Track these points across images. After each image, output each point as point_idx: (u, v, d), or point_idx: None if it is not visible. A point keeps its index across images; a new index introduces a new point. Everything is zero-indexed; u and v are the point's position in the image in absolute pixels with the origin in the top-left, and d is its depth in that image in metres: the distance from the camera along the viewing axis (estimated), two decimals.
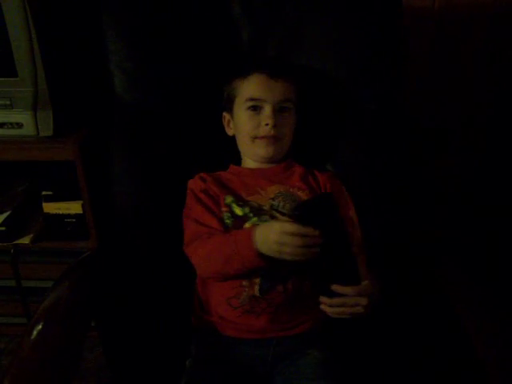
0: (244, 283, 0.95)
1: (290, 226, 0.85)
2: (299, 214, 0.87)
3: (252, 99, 1.06)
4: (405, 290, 1.10)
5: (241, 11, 1.19)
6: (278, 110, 1.06)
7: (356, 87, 1.20)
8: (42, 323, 0.86)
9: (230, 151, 1.15)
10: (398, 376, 0.99)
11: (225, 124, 1.15)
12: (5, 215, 1.46)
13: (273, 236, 0.86)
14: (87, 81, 1.27)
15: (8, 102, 1.23)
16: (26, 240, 1.45)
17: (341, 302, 0.88)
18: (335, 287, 0.87)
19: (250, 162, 1.12)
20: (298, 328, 0.97)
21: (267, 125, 1.05)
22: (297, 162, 1.13)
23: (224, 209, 1.02)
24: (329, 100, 1.19)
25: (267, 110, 1.05)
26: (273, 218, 1.00)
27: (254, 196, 1.04)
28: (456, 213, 1.74)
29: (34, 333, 0.84)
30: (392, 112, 1.22)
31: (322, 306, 0.90)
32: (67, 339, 0.88)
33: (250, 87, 1.08)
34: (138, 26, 1.16)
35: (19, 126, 1.25)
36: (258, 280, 0.94)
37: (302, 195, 1.05)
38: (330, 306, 0.89)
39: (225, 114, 1.15)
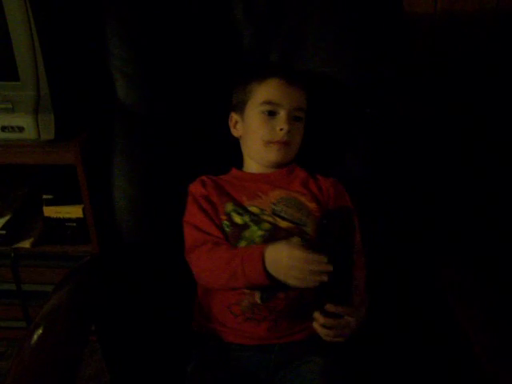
0: (245, 290, 0.95)
1: (299, 253, 0.85)
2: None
3: (269, 103, 1.06)
4: (405, 294, 1.10)
5: (242, 16, 1.19)
6: (292, 118, 1.06)
7: (357, 92, 1.20)
8: (42, 328, 0.86)
9: (231, 155, 1.15)
10: (400, 382, 0.99)
11: (231, 125, 1.14)
12: (5, 219, 1.46)
13: (282, 259, 0.87)
14: (89, 85, 1.27)
15: (9, 106, 1.22)
16: (26, 244, 1.45)
17: (335, 323, 0.87)
18: (333, 308, 0.87)
19: (253, 166, 1.12)
20: (300, 334, 0.97)
21: (281, 130, 1.05)
22: (300, 166, 1.13)
23: (223, 217, 1.01)
24: (331, 105, 1.19)
25: (283, 115, 1.05)
26: (273, 225, 1.00)
27: (255, 201, 1.04)
28: (456, 215, 1.74)
29: (35, 337, 0.84)
30: (392, 116, 1.22)
31: (315, 325, 0.89)
32: (67, 344, 0.88)
33: (268, 91, 1.07)
34: (139, 30, 1.16)
35: (20, 129, 1.25)
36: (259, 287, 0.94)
37: (304, 200, 1.05)
38: (323, 325, 0.88)
39: (233, 114, 1.14)
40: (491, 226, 1.70)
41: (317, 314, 0.88)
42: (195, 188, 1.08)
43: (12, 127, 1.25)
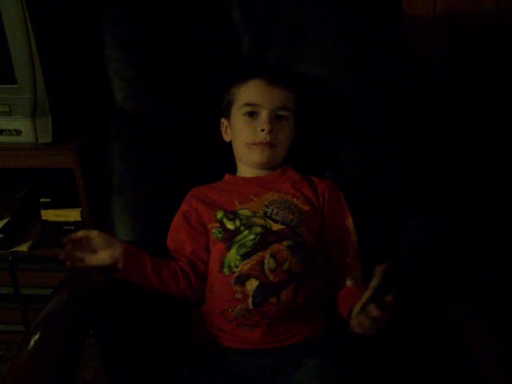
0: (237, 296, 0.95)
1: None
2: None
3: (249, 104, 1.06)
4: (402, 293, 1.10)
5: (241, 18, 1.18)
6: (274, 117, 1.06)
7: (356, 93, 1.20)
8: (39, 333, 0.85)
9: (226, 159, 1.14)
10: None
11: (222, 130, 1.14)
12: (3, 222, 1.45)
13: None
14: (86, 88, 1.26)
15: (7, 109, 1.22)
16: (24, 247, 1.44)
17: (387, 315, 0.85)
18: (390, 299, 0.83)
19: (245, 170, 1.12)
20: (296, 338, 0.96)
21: (263, 130, 1.04)
22: (295, 168, 1.12)
23: (215, 224, 1.02)
24: (328, 106, 1.19)
25: (264, 115, 1.05)
26: (265, 228, 0.99)
27: (247, 204, 1.04)
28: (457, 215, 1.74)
29: (32, 343, 0.83)
30: (391, 118, 1.22)
31: (362, 319, 0.87)
32: (65, 349, 0.87)
33: (248, 92, 1.07)
34: (137, 33, 1.16)
35: (18, 132, 1.25)
36: (250, 292, 0.94)
37: (297, 202, 1.04)
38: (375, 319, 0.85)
39: (223, 120, 1.14)
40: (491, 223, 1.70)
41: (372, 307, 0.84)
42: (184, 204, 1.09)
43: (9, 130, 1.25)
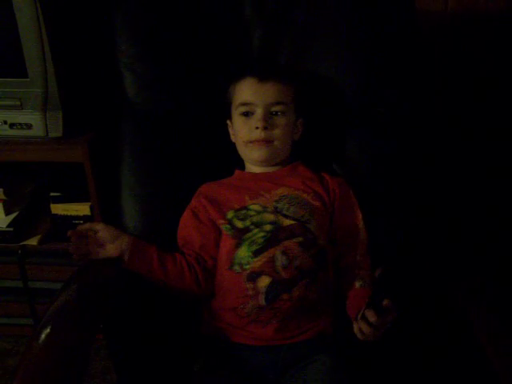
0: (249, 293, 0.95)
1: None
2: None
3: (243, 104, 1.06)
4: (412, 292, 1.10)
5: (252, 15, 1.18)
6: (270, 113, 1.06)
7: (367, 91, 1.19)
8: (50, 327, 0.85)
9: (237, 155, 1.14)
10: (408, 382, 0.98)
11: (230, 131, 1.15)
12: (12, 216, 1.46)
13: None
14: (97, 82, 1.26)
15: (18, 103, 1.22)
16: (33, 241, 1.45)
17: (386, 320, 0.86)
18: (387, 303, 0.85)
19: (253, 166, 1.12)
20: (308, 333, 0.96)
21: (257, 128, 1.04)
22: (306, 164, 1.12)
23: (224, 221, 1.03)
24: (340, 103, 1.18)
25: (258, 113, 1.05)
26: (275, 225, 0.99)
27: (257, 199, 1.04)
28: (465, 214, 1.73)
29: (42, 336, 0.83)
30: (403, 115, 1.21)
31: (361, 325, 0.88)
32: (75, 343, 0.87)
33: (241, 92, 1.08)
34: (150, 28, 1.16)
35: (28, 126, 1.25)
36: (263, 289, 0.94)
37: (308, 198, 1.04)
38: (375, 325, 0.87)
39: (228, 121, 1.14)
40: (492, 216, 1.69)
41: (370, 312, 0.86)
42: (193, 201, 1.09)
43: (20, 124, 1.25)
